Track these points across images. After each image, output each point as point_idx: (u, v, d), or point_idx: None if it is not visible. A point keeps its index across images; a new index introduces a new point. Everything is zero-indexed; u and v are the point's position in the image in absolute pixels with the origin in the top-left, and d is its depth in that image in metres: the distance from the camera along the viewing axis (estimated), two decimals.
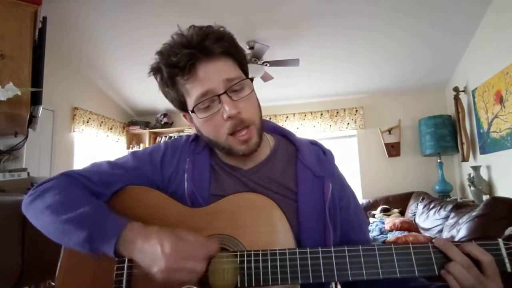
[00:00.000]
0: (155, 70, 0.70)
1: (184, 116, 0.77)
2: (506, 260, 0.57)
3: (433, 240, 0.61)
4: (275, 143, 0.81)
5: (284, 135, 0.84)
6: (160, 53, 0.68)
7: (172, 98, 0.72)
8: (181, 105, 0.72)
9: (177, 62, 0.65)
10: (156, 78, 0.72)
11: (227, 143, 0.70)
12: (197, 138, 0.81)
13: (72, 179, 0.72)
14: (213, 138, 0.71)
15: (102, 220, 0.63)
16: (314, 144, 0.82)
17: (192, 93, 0.68)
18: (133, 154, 0.81)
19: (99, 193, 0.72)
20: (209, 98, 0.66)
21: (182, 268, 0.57)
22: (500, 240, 0.59)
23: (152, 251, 0.57)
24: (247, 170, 0.76)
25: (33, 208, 0.69)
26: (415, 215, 3.44)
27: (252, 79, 0.72)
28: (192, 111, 0.69)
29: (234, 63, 0.70)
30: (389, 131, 4.55)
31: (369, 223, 3.69)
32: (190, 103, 0.69)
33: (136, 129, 5.08)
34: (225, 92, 0.66)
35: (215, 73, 0.66)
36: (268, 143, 0.80)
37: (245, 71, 0.73)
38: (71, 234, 0.62)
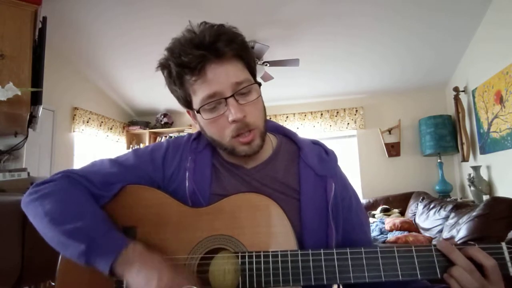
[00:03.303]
0: (163, 66, 0.70)
1: (188, 112, 0.76)
2: (509, 264, 0.57)
3: (436, 243, 0.61)
4: (278, 142, 0.81)
5: (286, 135, 0.84)
6: (170, 50, 0.67)
7: (178, 95, 0.72)
8: (187, 103, 0.72)
9: (188, 63, 0.64)
10: (163, 74, 0.71)
11: (230, 144, 0.70)
12: (199, 136, 0.81)
13: (72, 181, 0.72)
14: (216, 138, 0.71)
15: (102, 236, 0.62)
16: (316, 143, 0.82)
17: (199, 94, 0.67)
18: (135, 152, 0.80)
19: (99, 195, 0.71)
20: (215, 100, 0.66)
21: None
22: (504, 244, 0.58)
23: (148, 277, 0.57)
24: (249, 169, 0.76)
25: (32, 210, 0.68)
26: (415, 215, 3.44)
27: (260, 84, 0.72)
28: (198, 112, 0.69)
29: (243, 66, 0.70)
30: (389, 131, 4.55)
31: (369, 223, 3.69)
32: (196, 103, 0.69)
33: (136, 129, 5.08)
34: (232, 96, 0.66)
35: (224, 75, 0.66)
36: (270, 143, 0.80)
37: (253, 74, 0.73)
38: (68, 245, 0.62)
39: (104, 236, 0.62)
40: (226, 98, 0.66)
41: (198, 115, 0.70)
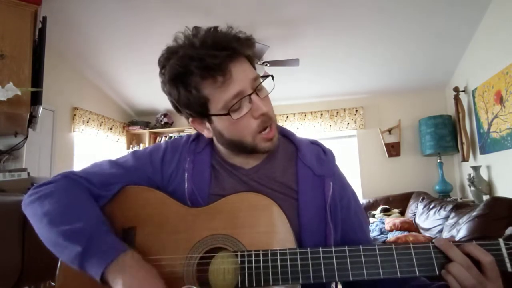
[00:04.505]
0: (184, 74, 0.65)
1: (194, 121, 0.73)
2: (507, 260, 0.57)
3: (434, 240, 0.61)
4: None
5: (284, 135, 0.84)
6: (187, 56, 0.64)
7: (191, 102, 0.68)
8: (201, 108, 0.69)
9: (215, 64, 0.63)
10: (177, 86, 0.67)
11: (253, 142, 0.70)
12: (197, 137, 0.81)
13: (73, 182, 0.72)
14: (237, 139, 0.70)
15: (99, 239, 0.61)
16: (314, 143, 0.82)
17: (223, 95, 0.66)
18: (134, 153, 0.81)
19: (99, 196, 0.72)
20: (242, 98, 0.66)
21: None
22: (501, 240, 0.59)
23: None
24: (248, 169, 0.76)
25: (31, 211, 0.68)
26: (415, 215, 3.44)
27: (273, 77, 0.72)
28: (227, 113, 0.66)
29: (250, 64, 0.71)
30: (389, 131, 4.56)
31: (369, 223, 3.69)
32: (218, 106, 0.67)
33: (136, 129, 5.08)
34: (254, 91, 0.67)
35: (244, 73, 0.67)
36: None
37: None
38: (64, 247, 0.62)
39: (101, 240, 0.61)
40: (249, 95, 0.67)
41: (218, 119, 0.69)
